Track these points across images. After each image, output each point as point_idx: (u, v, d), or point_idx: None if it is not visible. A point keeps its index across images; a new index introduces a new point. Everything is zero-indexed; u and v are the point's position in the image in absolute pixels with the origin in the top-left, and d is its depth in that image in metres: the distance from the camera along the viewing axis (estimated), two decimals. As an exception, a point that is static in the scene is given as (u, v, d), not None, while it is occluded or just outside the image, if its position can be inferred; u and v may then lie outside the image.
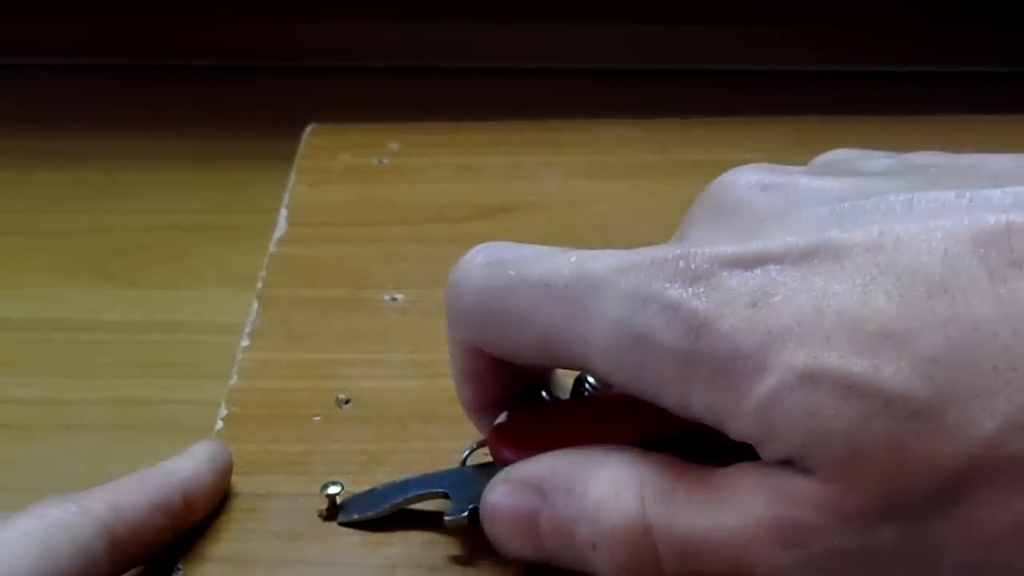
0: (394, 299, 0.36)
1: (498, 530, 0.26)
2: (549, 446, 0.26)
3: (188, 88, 0.53)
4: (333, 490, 0.29)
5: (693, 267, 0.22)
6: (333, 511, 0.29)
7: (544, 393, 0.27)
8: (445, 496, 0.28)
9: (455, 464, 0.29)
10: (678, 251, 0.23)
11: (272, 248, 0.38)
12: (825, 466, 0.21)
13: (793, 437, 0.21)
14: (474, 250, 0.26)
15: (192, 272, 0.43)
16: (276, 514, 0.29)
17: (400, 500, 0.28)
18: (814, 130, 0.44)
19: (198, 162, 0.48)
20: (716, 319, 0.22)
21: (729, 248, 0.23)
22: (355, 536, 0.29)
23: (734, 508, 0.22)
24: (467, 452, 0.29)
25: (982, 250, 0.21)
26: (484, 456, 0.28)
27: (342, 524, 0.29)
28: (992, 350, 0.20)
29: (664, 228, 0.39)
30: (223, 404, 0.33)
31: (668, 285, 0.22)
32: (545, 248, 0.26)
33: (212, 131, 0.50)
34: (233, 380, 0.33)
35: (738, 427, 0.22)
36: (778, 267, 0.22)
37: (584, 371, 0.26)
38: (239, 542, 0.29)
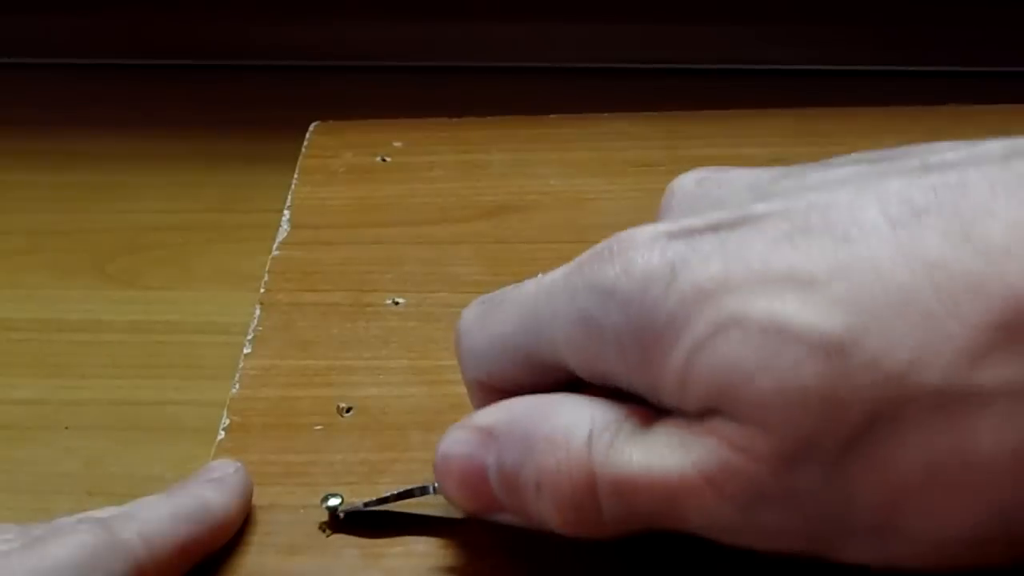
0: (396, 303, 0.36)
1: (451, 480, 0.26)
2: None
3: (188, 88, 0.53)
4: (333, 502, 0.29)
5: (621, 248, 0.24)
6: (334, 524, 0.29)
7: None
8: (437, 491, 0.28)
9: None
10: (605, 242, 0.24)
11: (274, 251, 0.38)
12: (742, 411, 0.22)
13: (709, 389, 0.22)
14: (478, 300, 0.28)
15: (192, 272, 0.43)
16: (278, 526, 0.29)
17: (397, 492, 0.29)
18: (817, 122, 0.43)
19: (198, 162, 0.48)
20: (640, 293, 0.23)
21: (659, 226, 0.24)
22: (356, 549, 0.29)
23: (666, 450, 0.23)
24: None
25: (884, 204, 0.22)
26: None
27: (339, 518, 0.29)
28: (891, 290, 0.21)
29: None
30: (225, 414, 0.32)
31: (602, 270, 0.24)
32: (527, 279, 0.27)
33: (212, 131, 0.50)
34: (235, 389, 0.33)
35: (665, 396, 0.23)
36: (697, 237, 0.23)
37: (571, 379, 0.26)
38: (242, 555, 0.29)
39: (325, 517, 0.29)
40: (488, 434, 0.25)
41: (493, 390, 0.27)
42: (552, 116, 0.44)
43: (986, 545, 0.21)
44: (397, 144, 0.43)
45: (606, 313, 0.23)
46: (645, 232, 0.24)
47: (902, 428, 0.21)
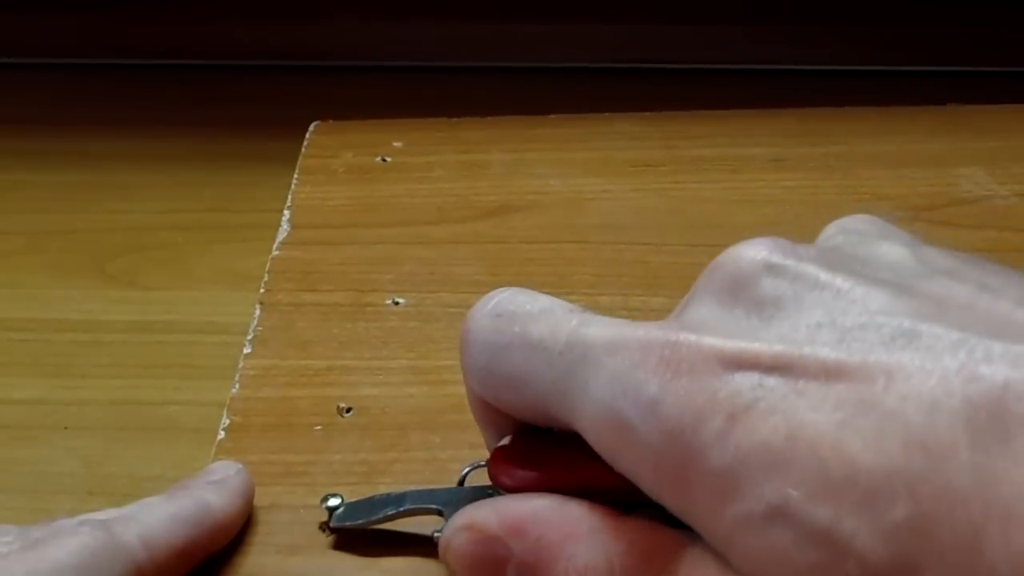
0: (396, 303, 0.36)
1: (460, 570, 0.25)
2: (548, 478, 0.25)
3: (188, 88, 0.53)
4: (333, 502, 0.29)
5: (678, 359, 0.22)
6: (332, 524, 0.29)
7: None
8: (439, 513, 0.28)
9: (454, 475, 0.28)
10: (669, 337, 0.22)
11: (274, 251, 0.38)
12: None
13: (752, 567, 0.21)
14: (487, 297, 0.26)
15: (191, 272, 0.43)
16: (278, 527, 0.29)
17: (393, 512, 0.28)
18: (817, 122, 0.43)
19: (198, 162, 0.48)
20: (691, 426, 0.21)
21: (718, 342, 0.22)
22: (356, 550, 0.29)
23: None
24: (466, 471, 0.28)
25: (971, 411, 0.20)
26: (483, 476, 0.28)
27: (333, 529, 0.29)
28: (958, 524, 0.19)
29: (668, 227, 0.39)
30: (225, 414, 0.32)
31: (651, 377, 0.22)
32: (553, 304, 0.25)
33: (213, 131, 0.50)
34: (235, 389, 0.33)
35: (706, 536, 0.22)
36: (763, 377, 0.21)
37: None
38: (242, 555, 0.29)
39: (325, 517, 0.29)
40: (502, 544, 0.24)
41: (493, 408, 0.26)
42: (552, 116, 0.44)
43: None
44: (397, 144, 0.43)
45: (646, 425, 0.22)
46: (706, 345, 0.22)
47: None
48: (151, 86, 0.53)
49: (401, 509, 0.28)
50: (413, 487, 0.29)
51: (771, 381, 0.21)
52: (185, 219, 0.45)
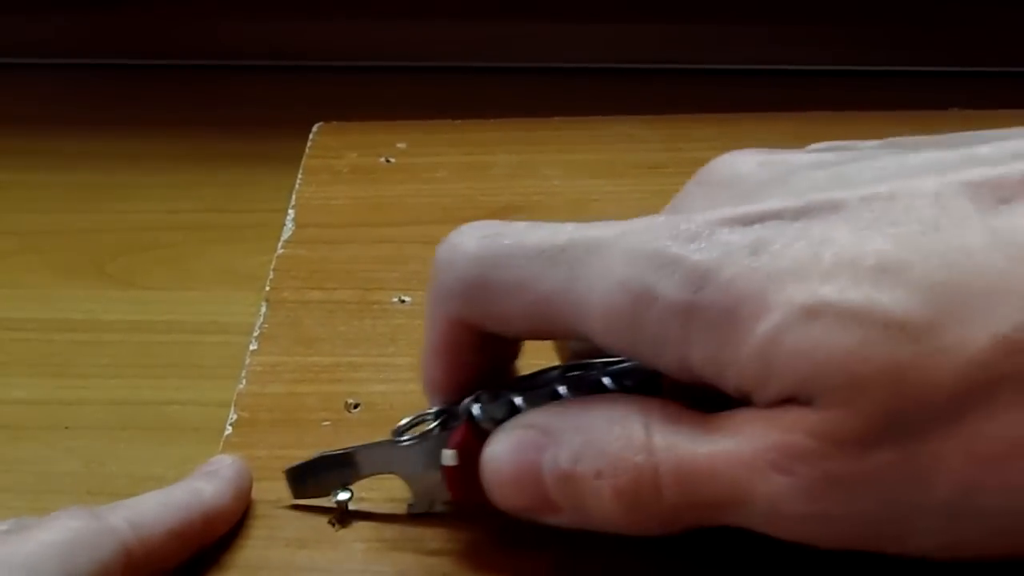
0: (402, 301, 0.36)
1: (500, 477, 0.25)
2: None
3: (189, 88, 0.53)
4: (343, 496, 0.29)
5: (693, 227, 0.23)
6: (343, 518, 0.29)
7: (518, 399, 0.26)
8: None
9: None
10: (678, 216, 0.23)
11: (279, 249, 0.38)
12: (825, 395, 0.21)
13: (793, 373, 0.22)
14: (466, 225, 0.26)
15: (192, 272, 0.43)
16: (286, 521, 0.29)
17: (351, 479, 0.29)
18: (822, 125, 0.43)
19: (198, 162, 0.48)
20: (716, 269, 0.22)
21: (727, 210, 0.23)
22: (365, 543, 0.29)
23: (732, 436, 0.23)
24: (405, 422, 0.28)
25: (972, 193, 0.22)
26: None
27: (297, 499, 0.29)
28: (986, 274, 0.21)
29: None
30: (232, 409, 0.32)
31: (670, 243, 0.23)
32: (540, 222, 0.26)
33: (214, 131, 0.50)
34: (242, 385, 0.33)
35: (738, 373, 0.22)
36: (776, 222, 0.23)
37: (578, 336, 0.25)
38: (249, 549, 0.29)
39: (333, 511, 0.29)
40: (542, 431, 0.25)
41: (464, 329, 0.26)
42: (555, 118, 0.44)
43: None
44: (401, 145, 0.43)
45: (667, 284, 0.22)
46: (716, 214, 0.23)
47: (992, 407, 0.21)
48: (151, 86, 0.53)
49: (360, 475, 0.29)
50: (355, 446, 0.29)
51: (787, 223, 0.22)
52: (185, 219, 0.45)
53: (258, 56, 0.53)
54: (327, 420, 0.32)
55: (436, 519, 0.29)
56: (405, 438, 0.28)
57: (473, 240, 0.26)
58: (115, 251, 0.44)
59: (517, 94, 0.50)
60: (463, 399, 0.27)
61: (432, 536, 0.28)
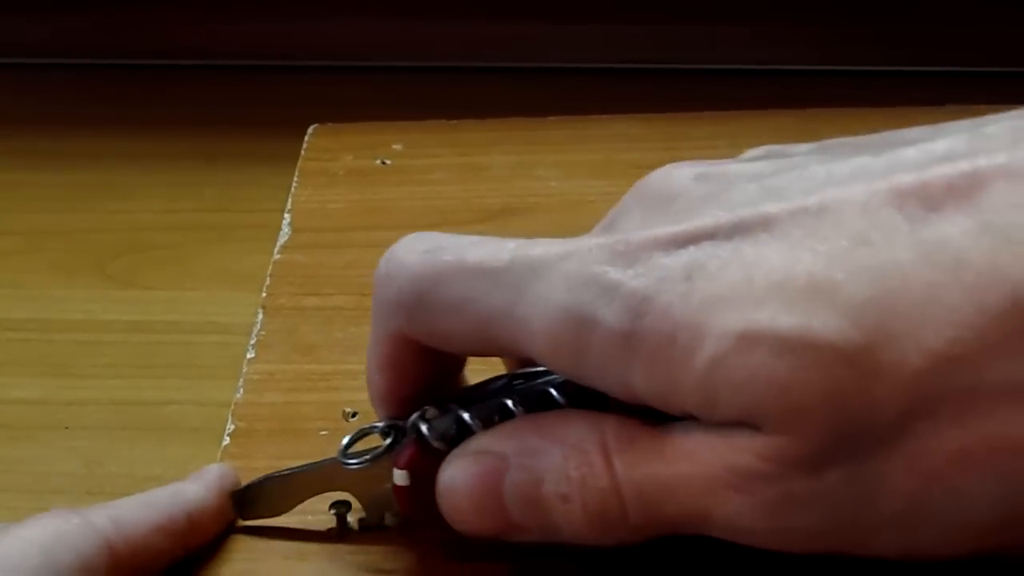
0: (399, 305, 0.36)
1: (459, 503, 0.25)
2: None
3: (188, 88, 0.53)
4: (341, 509, 0.29)
5: (631, 250, 0.23)
6: (342, 530, 0.29)
7: (466, 415, 0.26)
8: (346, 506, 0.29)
9: None
10: (616, 236, 0.23)
11: (276, 255, 0.38)
12: (769, 422, 0.22)
13: (736, 402, 0.22)
14: (408, 237, 0.26)
15: (192, 272, 0.43)
16: (285, 532, 0.29)
17: (300, 499, 0.29)
18: (817, 122, 0.43)
19: (198, 162, 0.48)
20: (654, 296, 0.22)
21: (663, 229, 0.23)
22: (364, 556, 0.28)
23: (686, 458, 0.23)
24: (347, 441, 0.28)
25: (900, 202, 0.22)
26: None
27: (245, 520, 0.29)
28: (915, 288, 0.21)
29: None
30: (229, 419, 0.32)
31: (608, 268, 0.23)
32: (482, 237, 0.26)
33: (212, 131, 0.49)
34: (239, 394, 0.33)
35: (681, 402, 0.23)
36: (711, 242, 0.23)
37: (521, 357, 0.26)
38: (248, 562, 0.29)
39: (333, 523, 0.29)
40: (498, 457, 0.25)
41: (416, 349, 0.26)
42: (552, 118, 0.44)
43: (1011, 526, 0.22)
44: (397, 147, 0.43)
45: (606, 310, 0.23)
46: (652, 234, 0.23)
47: (933, 422, 0.21)
48: (151, 86, 0.53)
49: (308, 496, 0.28)
50: (300, 466, 0.29)
51: (720, 243, 0.22)
52: (185, 219, 0.45)
53: (257, 56, 0.53)
54: (324, 429, 0.32)
55: (439, 530, 0.28)
56: (353, 461, 0.28)
57: (414, 256, 0.25)
58: (115, 251, 0.44)
59: (513, 94, 0.50)
60: (411, 412, 0.27)
61: (429, 548, 0.28)
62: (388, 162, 0.42)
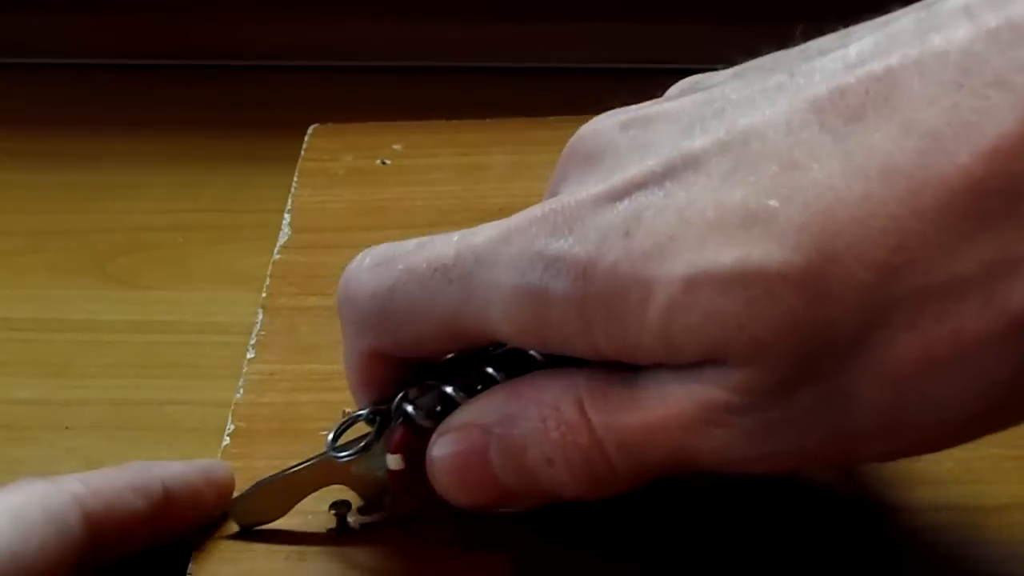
0: (399, 306, 0.36)
1: (451, 480, 0.26)
2: None
3: (188, 88, 0.53)
4: (341, 509, 0.29)
5: (568, 217, 0.23)
6: (342, 529, 0.29)
7: (449, 389, 0.26)
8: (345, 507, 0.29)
9: None
10: (552, 206, 0.24)
11: (276, 255, 0.38)
12: (732, 358, 0.22)
13: (696, 345, 0.22)
14: (359, 256, 0.27)
15: (192, 272, 0.43)
16: (285, 533, 0.29)
17: (296, 499, 0.29)
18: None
19: (198, 162, 0.48)
20: (597, 259, 0.23)
21: (595, 189, 0.23)
22: (365, 554, 0.29)
23: (661, 401, 0.23)
24: (333, 433, 0.28)
25: (821, 117, 0.22)
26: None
27: (243, 527, 0.29)
28: (849, 203, 0.21)
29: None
30: (229, 419, 0.32)
31: (549, 240, 0.23)
32: (428, 237, 0.26)
33: (212, 131, 0.49)
34: (239, 394, 0.33)
35: (647, 354, 0.23)
36: (642, 192, 0.23)
37: (491, 343, 0.26)
38: (248, 562, 0.29)
39: (333, 523, 0.29)
40: (481, 430, 0.25)
41: (392, 361, 0.27)
42: (552, 118, 0.44)
43: (990, 415, 0.22)
44: (397, 147, 0.43)
45: (556, 283, 0.23)
46: (586, 195, 0.23)
47: (892, 331, 0.21)
48: (151, 86, 0.53)
49: (304, 495, 0.29)
50: (292, 467, 0.29)
51: (652, 190, 0.23)
52: (185, 219, 0.45)
53: (258, 56, 0.53)
54: (324, 429, 0.31)
55: (437, 525, 0.29)
56: (343, 453, 0.28)
57: (367, 273, 0.26)
58: (115, 251, 0.44)
59: (513, 94, 0.50)
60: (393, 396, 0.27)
61: (433, 546, 0.28)
62: (388, 162, 0.42)
